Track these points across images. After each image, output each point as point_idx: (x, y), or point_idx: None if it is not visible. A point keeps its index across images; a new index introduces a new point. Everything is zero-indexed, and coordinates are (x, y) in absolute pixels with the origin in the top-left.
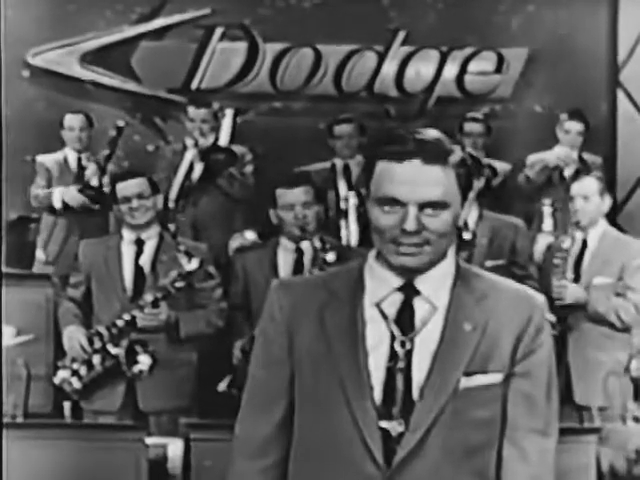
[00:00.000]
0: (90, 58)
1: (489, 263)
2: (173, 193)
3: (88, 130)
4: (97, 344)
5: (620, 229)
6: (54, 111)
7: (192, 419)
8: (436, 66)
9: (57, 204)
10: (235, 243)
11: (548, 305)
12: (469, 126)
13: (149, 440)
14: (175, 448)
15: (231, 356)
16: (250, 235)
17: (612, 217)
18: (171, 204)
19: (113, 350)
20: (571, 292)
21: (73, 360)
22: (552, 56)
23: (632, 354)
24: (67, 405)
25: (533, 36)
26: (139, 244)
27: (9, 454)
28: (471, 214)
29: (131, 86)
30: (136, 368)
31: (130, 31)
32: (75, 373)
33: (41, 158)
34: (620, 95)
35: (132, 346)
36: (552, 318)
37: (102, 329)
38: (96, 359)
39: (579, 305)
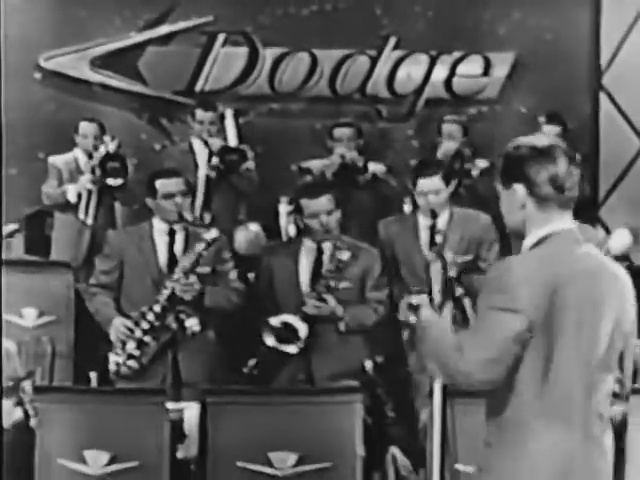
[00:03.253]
0: (99, 62)
1: (460, 259)
2: (200, 190)
3: (100, 138)
4: (145, 325)
5: (601, 223)
6: (64, 112)
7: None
8: (425, 69)
9: (72, 198)
10: (240, 233)
11: None
12: (447, 127)
13: (169, 404)
14: (191, 411)
15: (253, 341)
16: (254, 227)
17: (594, 211)
18: (198, 201)
19: (168, 324)
20: None
21: (124, 345)
22: (537, 60)
23: None
24: (94, 375)
25: (519, 41)
26: (171, 234)
27: (42, 417)
28: (443, 214)
29: (138, 88)
30: (189, 331)
31: (137, 37)
32: (130, 356)
33: (52, 159)
34: (602, 97)
35: (177, 316)
36: None
37: (146, 310)
38: (147, 338)
39: None
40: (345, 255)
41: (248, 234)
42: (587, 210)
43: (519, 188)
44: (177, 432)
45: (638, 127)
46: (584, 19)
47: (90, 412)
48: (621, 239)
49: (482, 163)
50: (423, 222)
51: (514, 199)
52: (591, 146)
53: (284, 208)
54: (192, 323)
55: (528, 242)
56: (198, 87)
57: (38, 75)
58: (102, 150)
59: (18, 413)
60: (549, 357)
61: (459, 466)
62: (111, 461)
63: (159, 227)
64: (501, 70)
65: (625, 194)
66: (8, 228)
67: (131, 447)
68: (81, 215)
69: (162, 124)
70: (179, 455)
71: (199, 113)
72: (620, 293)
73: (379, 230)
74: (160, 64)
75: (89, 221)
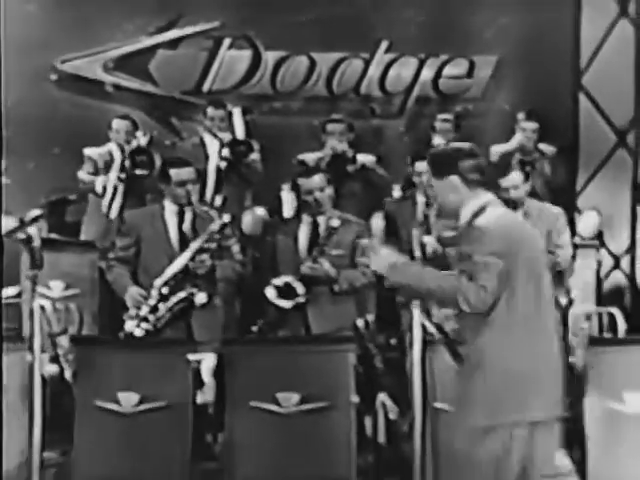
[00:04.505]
0: (112, 64)
1: (448, 234)
2: (211, 179)
3: (133, 133)
4: (164, 290)
5: (578, 210)
6: (78, 111)
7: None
8: (415, 71)
9: (99, 189)
10: (247, 216)
11: None
12: (440, 125)
13: (190, 356)
14: (208, 362)
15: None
16: (260, 211)
17: (572, 200)
18: (209, 188)
19: (180, 294)
20: None
21: (138, 310)
22: (520, 62)
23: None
24: (121, 335)
25: (502, 44)
26: (181, 215)
27: (81, 364)
28: None
29: (149, 89)
30: (198, 302)
31: (148, 41)
32: (144, 319)
33: (88, 151)
34: (582, 96)
35: (189, 290)
36: None
37: (160, 282)
38: (162, 306)
39: None
40: (335, 222)
41: (254, 217)
42: (566, 198)
43: (454, 178)
44: (199, 378)
45: (615, 123)
46: (565, 24)
47: (122, 360)
48: (590, 220)
49: None
50: (420, 199)
51: (450, 186)
52: (571, 140)
53: (286, 194)
54: (201, 297)
55: (467, 212)
56: (205, 87)
57: (54, 76)
58: (134, 144)
59: (54, 368)
60: (512, 293)
61: (437, 404)
62: (140, 401)
63: (170, 209)
64: (485, 71)
65: (601, 184)
66: (31, 213)
67: (158, 390)
68: (104, 209)
69: (171, 122)
70: (198, 400)
71: (210, 110)
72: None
73: (384, 206)
74: (169, 66)
75: (112, 215)
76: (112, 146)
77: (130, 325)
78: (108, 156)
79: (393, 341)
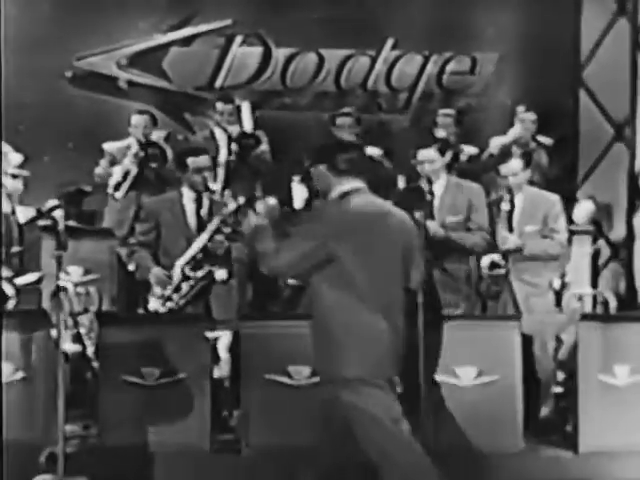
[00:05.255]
0: (126, 62)
1: (451, 219)
2: (221, 171)
3: (151, 128)
4: (186, 270)
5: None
6: (93, 106)
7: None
8: (419, 67)
9: (118, 177)
10: (260, 205)
11: (495, 250)
12: (442, 120)
13: (208, 333)
14: (224, 340)
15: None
16: (271, 201)
17: (573, 191)
18: (220, 180)
19: (199, 273)
20: (511, 241)
21: (163, 289)
22: (520, 59)
23: (561, 274)
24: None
25: (503, 42)
26: (198, 201)
27: (106, 340)
28: (440, 181)
29: (163, 84)
30: (218, 278)
31: (162, 38)
32: (168, 298)
33: (107, 145)
34: (581, 92)
35: (209, 268)
36: (501, 260)
37: (182, 262)
38: (185, 285)
39: (518, 249)
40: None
41: (266, 206)
42: (566, 189)
43: (325, 167)
44: (216, 353)
45: (612, 117)
46: (565, 21)
47: (145, 336)
48: (584, 208)
49: (471, 149)
50: (423, 187)
51: (327, 173)
52: (571, 134)
53: (296, 185)
54: (221, 273)
55: (335, 195)
56: (218, 83)
57: (69, 73)
58: (151, 138)
59: (75, 347)
60: (360, 269)
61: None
62: (162, 375)
63: (188, 195)
64: (487, 68)
65: (600, 176)
66: (49, 203)
67: (178, 364)
68: (110, 190)
69: (184, 117)
70: (215, 375)
71: (219, 105)
72: (402, 227)
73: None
74: (183, 63)
75: (118, 195)
76: (131, 141)
77: (155, 304)
78: (126, 150)
79: None
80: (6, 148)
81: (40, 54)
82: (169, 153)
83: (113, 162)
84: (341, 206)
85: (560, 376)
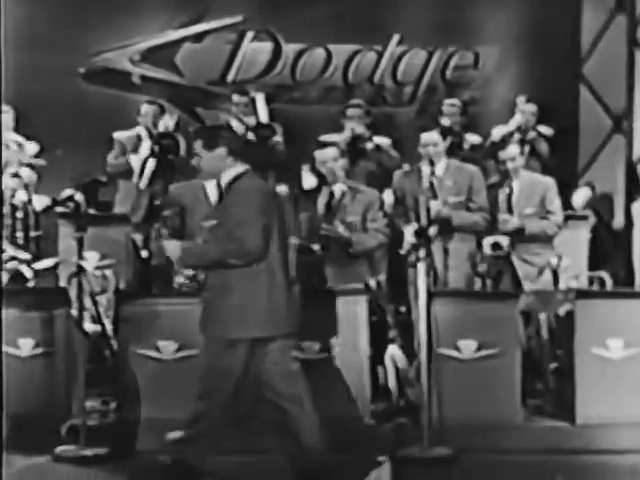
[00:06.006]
0: (139, 57)
1: (452, 199)
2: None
3: (159, 116)
4: None
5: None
6: (106, 101)
7: None
8: (424, 62)
9: (135, 165)
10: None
11: (497, 232)
12: (447, 109)
13: None
14: None
15: None
16: (282, 189)
17: (575, 180)
18: None
19: None
20: (511, 222)
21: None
22: (522, 53)
23: (560, 257)
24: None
25: (505, 37)
26: (219, 186)
27: (125, 317)
28: (441, 162)
29: (175, 79)
30: None
31: (174, 34)
32: (193, 277)
33: (117, 135)
34: (581, 85)
35: None
36: (504, 241)
37: None
38: None
39: (517, 230)
40: (338, 188)
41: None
42: (568, 178)
43: (222, 150)
44: None
45: (612, 110)
46: (565, 17)
47: (162, 311)
48: (582, 194)
49: (473, 138)
50: (425, 170)
51: (217, 156)
52: (572, 126)
53: (305, 174)
54: None
55: (226, 178)
56: (229, 78)
57: (83, 69)
58: (161, 127)
59: (95, 326)
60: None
61: (440, 350)
62: (179, 349)
63: (211, 182)
64: (489, 62)
65: (600, 166)
66: (64, 193)
67: (197, 339)
68: (135, 179)
69: (195, 111)
70: None
71: (235, 97)
72: (280, 199)
73: (393, 178)
74: (195, 58)
75: (142, 185)
76: (140, 129)
77: (180, 280)
78: (136, 139)
79: (402, 309)
80: (21, 139)
81: (54, 52)
82: (182, 143)
83: (124, 151)
84: (262, 187)
85: (556, 351)
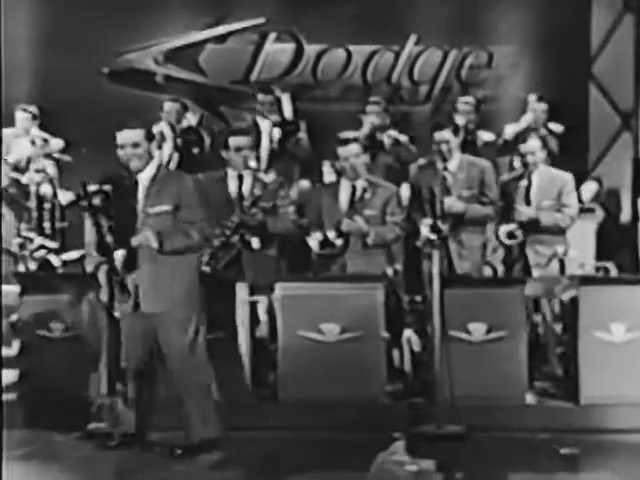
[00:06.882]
0: (162, 58)
1: (465, 192)
2: (264, 152)
3: (183, 114)
4: (218, 242)
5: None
6: (130, 100)
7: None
8: (440, 62)
9: (165, 158)
10: (294, 190)
11: (512, 222)
12: (462, 107)
13: (249, 298)
14: (263, 303)
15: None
16: (305, 182)
17: (585, 176)
18: (263, 163)
19: (233, 239)
20: (525, 213)
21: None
22: (534, 53)
23: (566, 247)
24: None
25: (518, 37)
26: (240, 178)
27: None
28: (454, 158)
29: (198, 79)
30: (252, 246)
31: (198, 36)
32: (215, 256)
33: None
34: (591, 84)
35: (242, 236)
36: (518, 230)
37: (219, 232)
38: (220, 252)
39: (532, 221)
40: (360, 183)
41: (301, 187)
42: (578, 174)
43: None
44: (256, 316)
45: (620, 108)
46: (576, 17)
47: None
48: (590, 188)
49: (487, 136)
50: (439, 164)
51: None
52: (582, 123)
53: (327, 169)
54: (254, 242)
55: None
56: (253, 78)
57: (107, 69)
58: (184, 124)
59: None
60: None
61: (452, 332)
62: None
63: (231, 174)
64: (503, 62)
65: (609, 162)
66: (89, 188)
67: (222, 323)
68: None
69: (219, 110)
70: (256, 334)
71: (260, 96)
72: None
73: (410, 171)
74: (218, 58)
75: None
76: (163, 125)
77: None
78: (159, 135)
79: (418, 298)
80: (47, 135)
81: (80, 52)
82: (206, 138)
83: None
84: None
85: (561, 335)
